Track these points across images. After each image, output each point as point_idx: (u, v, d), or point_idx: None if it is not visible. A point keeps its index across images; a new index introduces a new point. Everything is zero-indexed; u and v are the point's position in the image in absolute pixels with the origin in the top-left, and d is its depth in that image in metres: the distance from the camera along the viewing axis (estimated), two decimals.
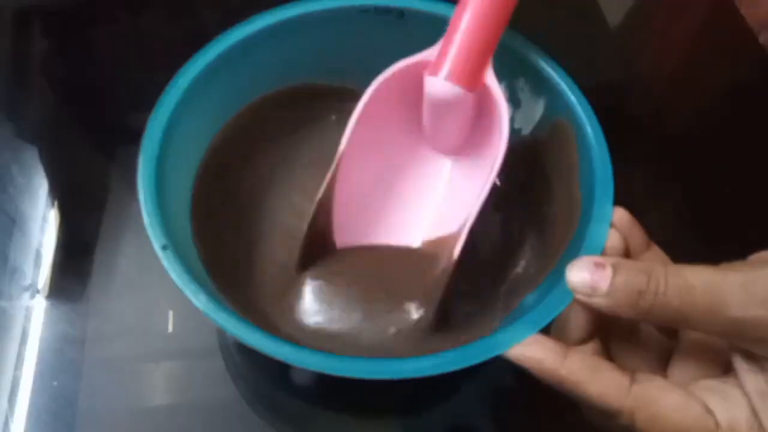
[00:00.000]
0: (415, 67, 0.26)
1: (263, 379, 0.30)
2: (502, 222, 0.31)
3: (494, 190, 0.25)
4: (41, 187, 0.35)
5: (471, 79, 0.25)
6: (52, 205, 0.34)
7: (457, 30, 0.24)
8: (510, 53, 0.29)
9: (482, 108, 0.26)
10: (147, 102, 0.27)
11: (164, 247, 0.23)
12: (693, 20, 0.45)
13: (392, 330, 0.26)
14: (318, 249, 0.28)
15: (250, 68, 0.29)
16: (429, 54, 0.26)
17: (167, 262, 0.22)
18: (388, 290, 0.27)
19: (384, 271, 0.28)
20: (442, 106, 0.26)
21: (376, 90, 0.26)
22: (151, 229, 0.23)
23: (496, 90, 0.25)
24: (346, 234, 0.29)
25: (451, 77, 0.24)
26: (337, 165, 0.26)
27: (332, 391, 0.29)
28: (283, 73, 0.28)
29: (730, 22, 0.43)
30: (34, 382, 0.29)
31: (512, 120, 0.31)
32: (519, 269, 0.29)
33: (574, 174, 0.27)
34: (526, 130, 0.30)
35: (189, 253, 0.25)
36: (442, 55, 0.25)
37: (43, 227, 0.33)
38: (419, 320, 0.27)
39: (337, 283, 0.28)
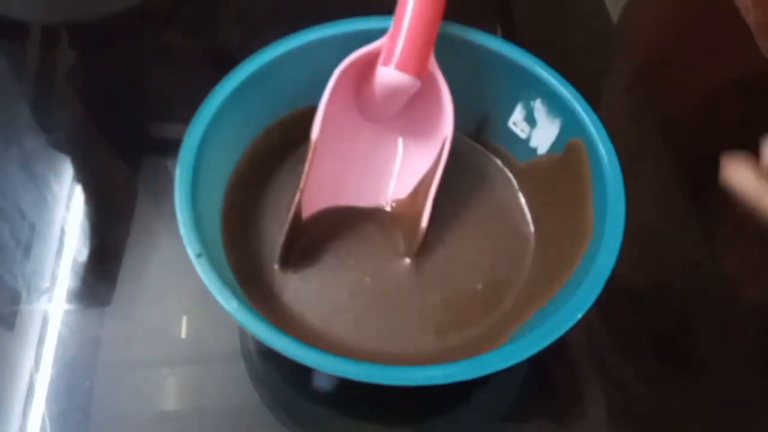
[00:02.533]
0: (367, 56, 0.29)
1: (284, 384, 0.30)
2: (516, 236, 0.32)
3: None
4: (75, 195, 0.36)
5: (418, 68, 0.28)
6: (83, 212, 0.35)
7: (401, 24, 0.27)
8: (527, 75, 0.30)
9: (427, 91, 0.29)
10: (171, 113, 0.28)
11: (199, 255, 0.24)
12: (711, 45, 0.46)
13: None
14: (299, 235, 0.30)
15: (277, 87, 0.30)
16: (378, 45, 0.29)
17: (201, 270, 0.24)
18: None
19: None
20: (393, 92, 0.29)
21: (338, 78, 0.29)
22: (186, 238, 0.24)
23: (439, 75, 0.29)
24: (313, 206, 0.31)
25: (401, 66, 0.27)
26: (314, 152, 0.28)
27: (353, 398, 0.30)
28: (311, 90, 0.29)
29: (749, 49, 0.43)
30: (51, 386, 0.29)
31: (529, 139, 0.32)
32: (531, 283, 0.30)
33: (588, 193, 0.28)
34: (543, 150, 0.31)
35: (219, 260, 0.26)
36: (391, 47, 0.28)
37: (69, 232, 0.34)
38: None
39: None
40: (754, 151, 0.26)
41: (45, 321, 0.31)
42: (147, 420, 0.29)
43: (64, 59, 0.42)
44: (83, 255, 0.33)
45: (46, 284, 0.32)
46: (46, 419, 0.29)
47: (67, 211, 0.35)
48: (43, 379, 0.29)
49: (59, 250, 0.34)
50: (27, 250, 0.33)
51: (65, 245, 0.34)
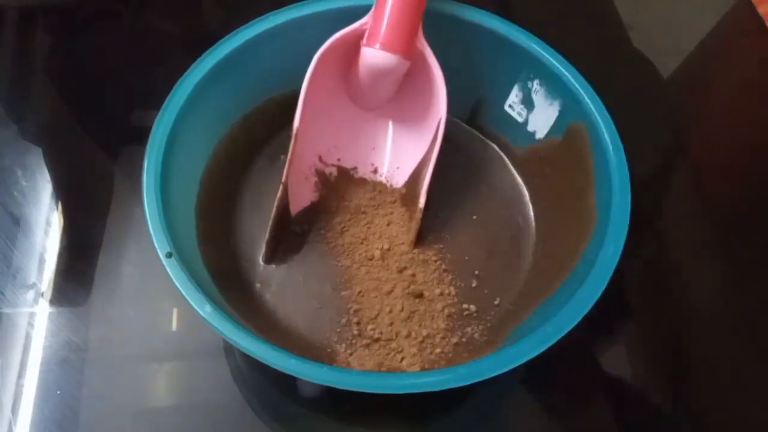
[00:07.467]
0: (350, 36, 0.27)
1: (268, 381, 0.29)
2: (514, 227, 0.30)
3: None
4: (45, 189, 0.34)
5: (405, 47, 0.26)
6: (56, 207, 0.34)
7: (385, 1, 0.26)
8: (523, 53, 0.28)
9: (417, 72, 0.28)
10: (151, 100, 0.27)
11: (169, 255, 0.22)
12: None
13: None
14: (283, 229, 0.29)
15: (255, 70, 0.28)
16: (361, 24, 0.27)
17: (172, 271, 0.22)
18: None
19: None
20: (380, 74, 0.27)
21: (318, 63, 0.27)
22: (155, 236, 0.23)
23: (429, 54, 0.27)
24: (300, 201, 0.30)
25: (387, 46, 0.26)
26: (295, 142, 0.27)
27: (338, 396, 0.28)
28: (292, 74, 0.28)
29: None
30: (38, 389, 0.28)
31: (526, 123, 0.30)
32: (530, 278, 0.28)
33: (590, 180, 0.26)
34: (541, 134, 0.30)
35: (193, 257, 0.25)
36: (374, 25, 0.26)
37: (47, 230, 0.33)
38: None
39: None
40: None
41: (29, 321, 0.30)
42: (135, 418, 0.28)
43: (41, 45, 0.40)
44: (61, 253, 0.32)
45: (26, 284, 0.31)
46: (34, 424, 0.28)
47: (41, 207, 0.34)
48: (30, 383, 0.29)
49: (35, 248, 0.32)
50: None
51: (41, 242, 0.32)
